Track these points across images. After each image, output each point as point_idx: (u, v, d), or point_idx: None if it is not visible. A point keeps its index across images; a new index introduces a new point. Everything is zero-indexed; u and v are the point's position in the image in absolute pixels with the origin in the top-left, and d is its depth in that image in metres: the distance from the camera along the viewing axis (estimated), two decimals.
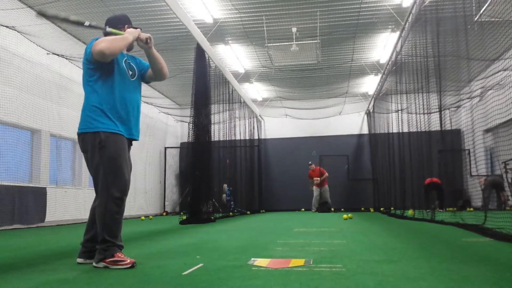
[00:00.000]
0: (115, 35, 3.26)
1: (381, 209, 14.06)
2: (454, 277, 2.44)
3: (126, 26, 3.39)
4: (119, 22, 3.40)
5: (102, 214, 3.06)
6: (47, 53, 9.97)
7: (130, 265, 2.97)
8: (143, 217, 12.73)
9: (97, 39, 3.14)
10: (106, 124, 3.10)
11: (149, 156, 15.73)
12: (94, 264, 3.06)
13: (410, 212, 9.66)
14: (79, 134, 3.18)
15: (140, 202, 14.76)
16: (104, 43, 3.04)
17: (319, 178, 15.06)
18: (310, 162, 15.66)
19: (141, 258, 3.46)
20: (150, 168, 15.94)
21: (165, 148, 17.47)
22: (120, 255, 3.03)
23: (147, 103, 14.72)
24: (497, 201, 12.80)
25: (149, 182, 15.75)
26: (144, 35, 3.30)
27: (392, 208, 12.14)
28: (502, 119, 8.31)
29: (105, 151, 3.07)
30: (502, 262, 2.91)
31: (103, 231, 3.05)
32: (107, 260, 2.99)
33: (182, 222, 8.63)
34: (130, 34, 3.23)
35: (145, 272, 2.82)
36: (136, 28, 3.37)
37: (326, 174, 15.32)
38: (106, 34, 3.33)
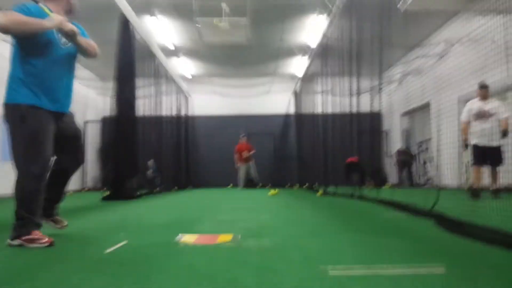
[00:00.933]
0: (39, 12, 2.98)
1: (305, 185, 14.53)
2: (375, 248, 2.57)
3: None
4: None
5: (20, 191, 2.86)
6: None
7: (48, 243, 2.79)
8: None
9: (11, 10, 2.85)
10: (27, 97, 2.90)
11: None
12: (8, 241, 2.83)
13: (319, 193, 10.13)
14: (3, 104, 2.96)
15: None
16: (6, 20, 2.75)
17: (248, 153, 15.20)
18: (243, 135, 15.68)
19: (60, 236, 3.26)
20: None
21: (85, 122, 16.63)
22: (37, 233, 2.83)
23: None
24: (408, 178, 13.72)
25: None
26: (67, 27, 2.97)
27: (314, 186, 12.58)
28: (417, 104, 8.86)
29: (25, 125, 2.87)
30: (417, 236, 3.13)
31: (21, 207, 2.84)
32: (23, 238, 2.79)
33: (105, 199, 8.32)
34: (50, 21, 2.91)
35: (65, 250, 2.67)
36: (71, 9, 3.22)
37: (254, 150, 15.51)
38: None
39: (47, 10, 3.02)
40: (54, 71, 3.02)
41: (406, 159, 13.61)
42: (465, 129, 7.01)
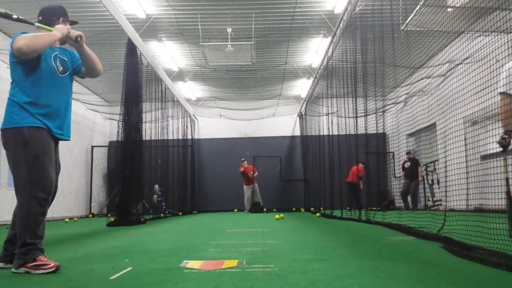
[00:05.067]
0: (43, 31, 3.09)
1: (312, 209, 14.43)
2: (381, 274, 2.53)
3: (60, 18, 3.24)
4: (53, 14, 3.23)
5: (24, 216, 2.85)
6: None
7: (54, 268, 2.79)
8: (67, 219, 12.09)
9: (21, 34, 2.94)
10: (28, 119, 2.93)
11: (74, 155, 14.96)
12: (13, 270, 2.83)
13: (317, 215, 10.29)
14: (1, 130, 2.99)
15: (64, 204, 14.00)
16: (23, 40, 2.84)
17: (254, 173, 15.23)
18: (243, 159, 15.73)
19: (65, 262, 3.25)
20: (76, 167, 15.16)
21: (92, 146, 16.73)
22: (42, 258, 2.83)
23: (73, 99, 14.01)
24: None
25: (74, 183, 14.98)
26: (74, 33, 3.10)
27: (321, 208, 12.51)
28: (423, 124, 8.83)
29: (29, 148, 2.89)
30: (424, 260, 3.07)
31: (25, 233, 2.83)
32: (28, 265, 2.78)
33: (110, 224, 8.30)
34: (58, 30, 3.04)
35: (69, 277, 2.65)
36: (73, 21, 3.29)
37: (256, 172, 15.51)
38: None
39: (46, 27, 3.11)
40: (52, 99, 3.08)
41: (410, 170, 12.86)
42: (508, 110, 3.86)
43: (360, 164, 11.32)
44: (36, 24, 3.14)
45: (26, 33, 2.98)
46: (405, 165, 13.04)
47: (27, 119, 2.93)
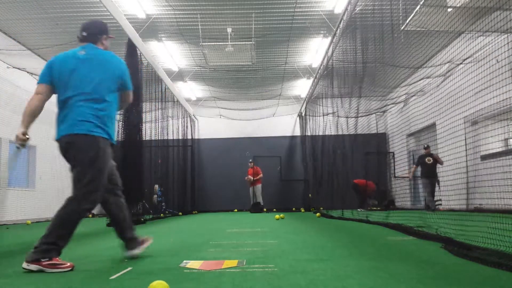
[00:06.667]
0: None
1: (312, 209, 14.43)
2: (381, 274, 2.52)
3: (103, 36, 3.53)
4: (99, 32, 3.53)
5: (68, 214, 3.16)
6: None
7: (71, 268, 2.87)
8: None
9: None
10: None
11: None
12: (24, 265, 2.83)
13: (317, 215, 10.29)
14: None
15: None
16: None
17: (251, 177, 15.25)
18: (250, 160, 15.77)
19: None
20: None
21: None
22: (58, 259, 2.90)
23: None
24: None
25: None
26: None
27: (321, 208, 12.50)
28: (423, 124, 8.81)
29: None
30: (424, 260, 3.07)
31: (58, 229, 2.99)
32: (44, 263, 2.83)
33: (110, 224, 8.27)
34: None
35: (69, 277, 2.65)
36: (111, 37, 3.68)
37: (261, 174, 15.51)
38: None
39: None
40: None
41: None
42: None
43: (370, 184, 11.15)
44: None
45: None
46: (426, 160, 11.23)
47: None
